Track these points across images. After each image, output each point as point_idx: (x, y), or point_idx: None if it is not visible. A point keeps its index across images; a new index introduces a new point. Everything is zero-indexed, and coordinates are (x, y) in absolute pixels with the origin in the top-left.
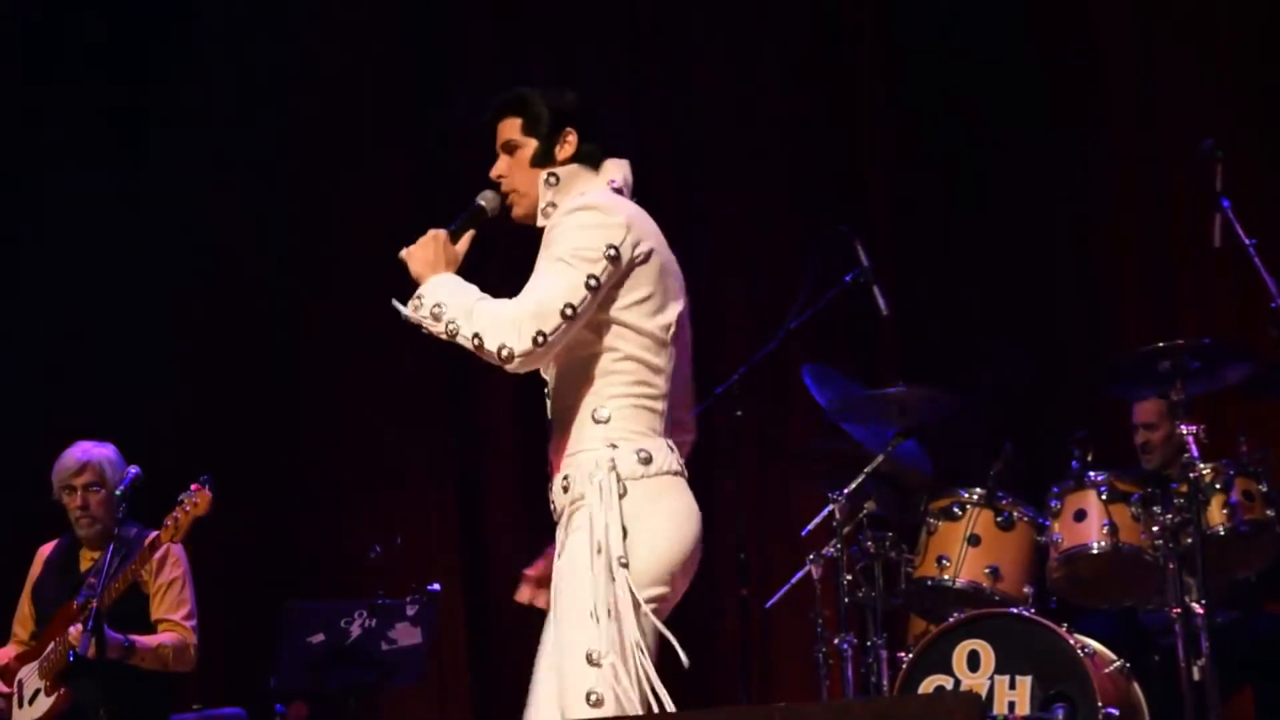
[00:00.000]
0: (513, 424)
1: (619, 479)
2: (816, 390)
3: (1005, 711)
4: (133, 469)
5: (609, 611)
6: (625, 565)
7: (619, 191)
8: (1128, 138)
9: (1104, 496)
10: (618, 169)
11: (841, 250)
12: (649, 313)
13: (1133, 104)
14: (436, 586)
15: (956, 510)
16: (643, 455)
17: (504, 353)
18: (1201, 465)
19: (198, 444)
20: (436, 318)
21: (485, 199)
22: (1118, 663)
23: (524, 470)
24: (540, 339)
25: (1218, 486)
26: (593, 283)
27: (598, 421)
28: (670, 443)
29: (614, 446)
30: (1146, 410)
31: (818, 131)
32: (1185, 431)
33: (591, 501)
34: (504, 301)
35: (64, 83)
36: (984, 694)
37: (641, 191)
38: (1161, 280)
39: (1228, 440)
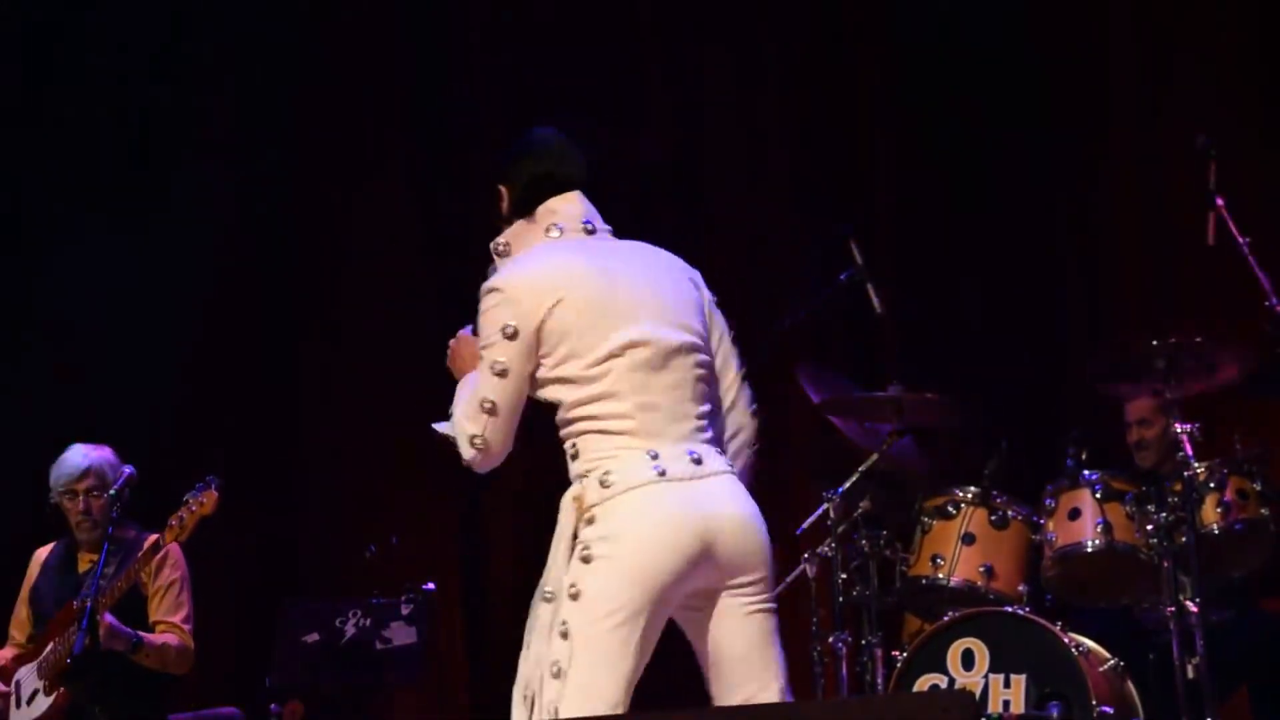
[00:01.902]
0: None
1: (583, 508)
2: (810, 388)
3: (1000, 710)
4: (127, 468)
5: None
6: (548, 600)
7: (562, 232)
8: (1128, 137)
9: (1098, 495)
10: (562, 205)
11: (840, 249)
12: (581, 356)
13: (1133, 104)
14: (431, 586)
15: (951, 509)
16: (605, 479)
17: (467, 465)
18: (1196, 464)
19: (198, 444)
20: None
21: None
22: (1112, 661)
23: (523, 469)
24: (477, 441)
25: (1212, 485)
26: (498, 367)
27: (572, 458)
28: (654, 450)
29: (583, 478)
30: (1141, 407)
31: (818, 131)
32: (1180, 430)
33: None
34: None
35: (65, 83)
36: (978, 692)
37: (641, 191)
38: (1161, 280)
39: (1223, 439)
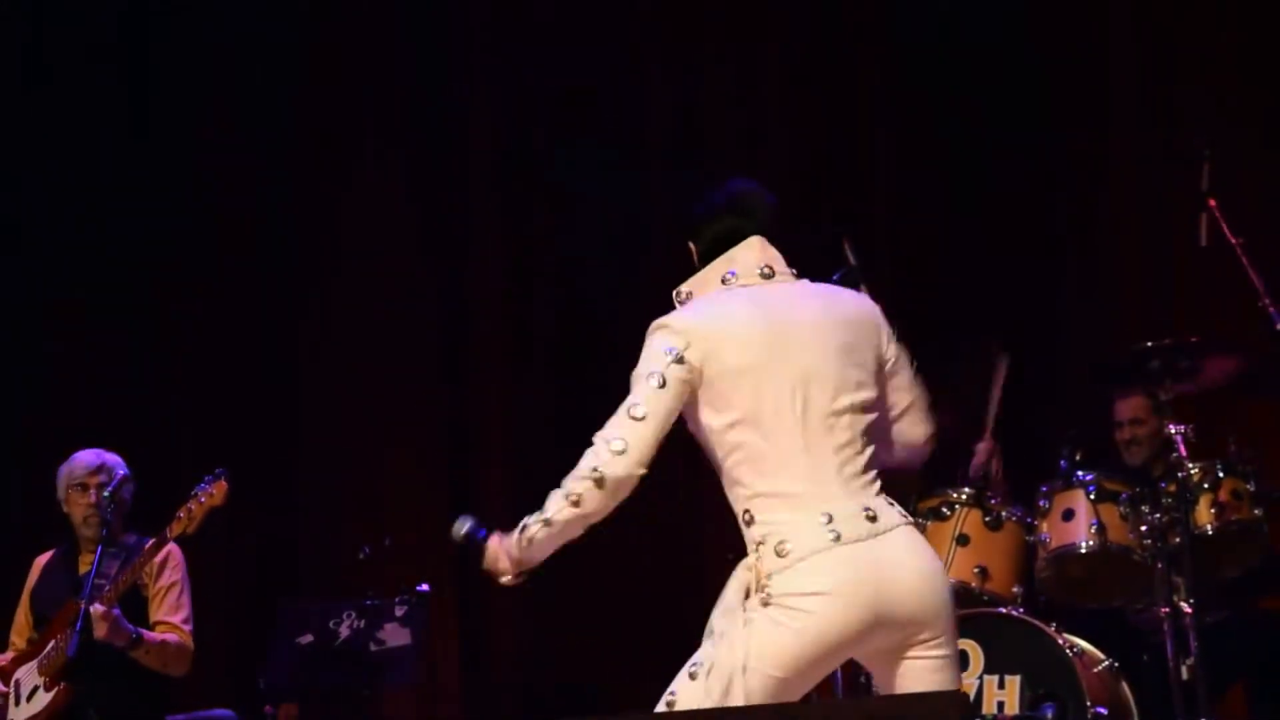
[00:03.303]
0: (508, 426)
1: (759, 577)
2: None
3: (994, 711)
4: (122, 471)
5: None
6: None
7: (737, 278)
8: (1128, 137)
9: (1092, 496)
10: (739, 253)
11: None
12: (746, 409)
13: (1133, 104)
14: (425, 587)
15: (945, 510)
16: (780, 548)
17: (595, 475)
18: (1190, 465)
19: (198, 444)
20: (545, 523)
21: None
22: (1106, 662)
23: (518, 471)
24: (616, 444)
25: (1206, 486)
26: (655, 380)
27: (746, 524)
28: (828, 511)
29: (760, 545)
30: (1133, 406)
31: (818, 131)
32: (1174, 431)
33: (729, 596)
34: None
35: (64, 82)
36: (973, 694)
37: (641, 191)
38: (1161, 280)
39: (1217, 439)
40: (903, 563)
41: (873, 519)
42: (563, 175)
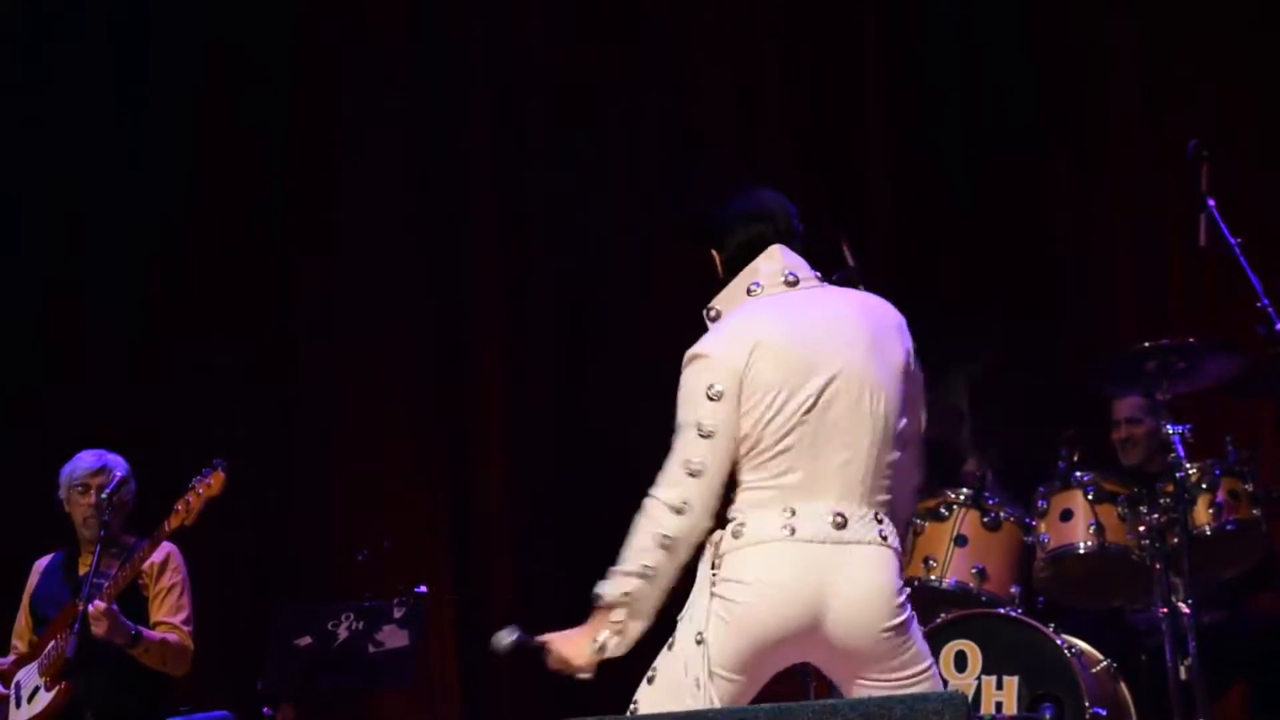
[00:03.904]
0: (508, 426)
1: (716, 554)
2: None
3: (993, 712)
4: (121, 471)
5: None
6: (700, 642)
7: (762, 288)
8: (1128, 138)
9: (1090, 496)
10: (762, 263)
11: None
12: (766, 411)
13: (1132, 104)
14: (423, 589)
15: (944, 511)
16: (738, 529)
17: (665, 541)
18: (1188, 465)
19: (197, 444)
20: (633, 575)
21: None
22: (1105, 663)
23: (515, 473)
24: (684, 506)
25: (1204, 486)
26: (705, 429)
27: (729, 503)
28: (793, 507)
29: (726, 524)
30: (1130, 405)
31: (818, 131)
32: (1172, 431)
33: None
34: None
35: (64, 81)
36: (971, 694)
37: (640, 192)
38: (1159, 280)
39: (1215, 439)
40: (849, 578)
41: (840, 526)
42: (561, 176)
